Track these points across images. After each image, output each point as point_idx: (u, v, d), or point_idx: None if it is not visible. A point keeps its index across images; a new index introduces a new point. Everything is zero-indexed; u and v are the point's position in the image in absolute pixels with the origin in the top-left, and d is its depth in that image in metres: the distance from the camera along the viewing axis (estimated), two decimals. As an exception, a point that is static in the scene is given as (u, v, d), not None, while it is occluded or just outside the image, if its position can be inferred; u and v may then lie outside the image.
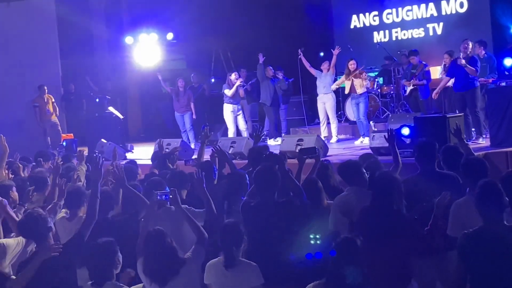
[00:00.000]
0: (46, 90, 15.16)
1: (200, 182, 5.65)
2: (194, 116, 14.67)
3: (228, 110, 13.88)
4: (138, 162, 9.48)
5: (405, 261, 5.04)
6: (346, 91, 13.24)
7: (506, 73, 10.43)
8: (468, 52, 10.94)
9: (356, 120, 13.07)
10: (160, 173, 7.75)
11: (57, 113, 15.33)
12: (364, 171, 6.10)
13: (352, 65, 12.92)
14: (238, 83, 13.84)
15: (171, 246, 4.99)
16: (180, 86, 14.83)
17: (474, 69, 10.71)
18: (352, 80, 12.86)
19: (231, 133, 13.79)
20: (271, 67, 14.20)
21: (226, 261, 4.99)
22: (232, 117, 13.83)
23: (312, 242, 5.12)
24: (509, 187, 4.75)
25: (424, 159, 6.19)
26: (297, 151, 8.25)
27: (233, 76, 13.99)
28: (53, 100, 15.30)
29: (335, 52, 13.15)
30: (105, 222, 5.81)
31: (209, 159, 7.82)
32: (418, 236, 5.08)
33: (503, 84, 10.21)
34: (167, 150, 9.98)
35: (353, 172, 6.02)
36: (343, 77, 13.11)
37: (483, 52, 11.87)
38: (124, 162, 9.59)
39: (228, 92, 13.78)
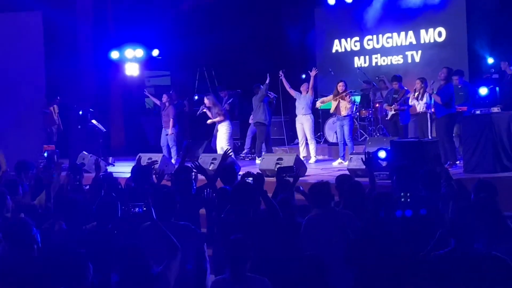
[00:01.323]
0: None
1: None
2: (170, 132, 14.38)
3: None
4: (119, 175, 9.41)
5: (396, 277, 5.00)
6: (331, 111, 13.26)
7: (481, 101, 10.50)
8: (443, 80, 11.05)
9: (339, 141, 13.05)
10: (136, 186, 7.66)
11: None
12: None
13: (340, 86, 12.92)
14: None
15: (145, 263, 4.77)
16: (164, 101, 14.78)
17: (439, 97, 10.89)
18: (339, 101, 12.88)
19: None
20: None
21: (234, 276, 4.76)
22: None
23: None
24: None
25: (403, 182, 6.18)
26: (276, 170, 8.20)
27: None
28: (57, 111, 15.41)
29: (312, 73, 13.18)
30: (80, 233, 5.71)
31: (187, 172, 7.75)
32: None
33: (478, 112, 10.28)
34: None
35: (323, 193, 5.92)
36: (330, 97, 13.12)
37: (457, 81, 11.98)
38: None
39: None
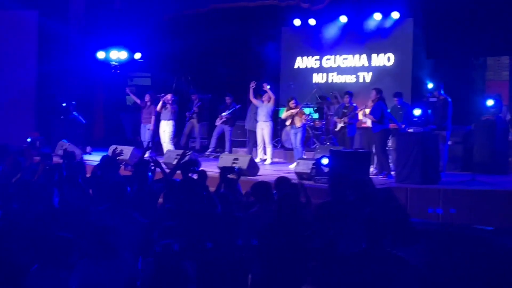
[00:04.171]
0: None
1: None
2: (151, 128, 14.71)
3: None
4: (94, 163, 9.49)
5: (298, 268, 5.16)
6: (288, 124, 13.47)
7: (415, 119, 10.72)
8: (373, 100, 11.43)
9: (294, 147, 13.26)
10: (102, 174, 7.74)
11: None
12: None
13: (291, 104, 13.17)
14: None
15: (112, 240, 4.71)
16: (147, 100, 14.96)
17: (371, 116, 11.23)
18: (294, 116, 13.11)
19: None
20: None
21: None
22: None
23: None
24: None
25: (337, 188, 6.37)
26: (219, 169, 8.37)
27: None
28: None
29: (265, 87, 13.45)
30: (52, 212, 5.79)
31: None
32: (309, 248, 5.21)
33: (411, 130, 10.48)
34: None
35: (264, 191, 6.11)
36: (288, 113, 13.29)
37: (397, 101, 12.26)
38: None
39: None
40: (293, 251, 5.17)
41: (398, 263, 4.50)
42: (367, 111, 11.03)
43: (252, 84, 13.59)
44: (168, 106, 14.23)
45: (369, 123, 12.12)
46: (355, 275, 4.57)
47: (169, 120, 14.30)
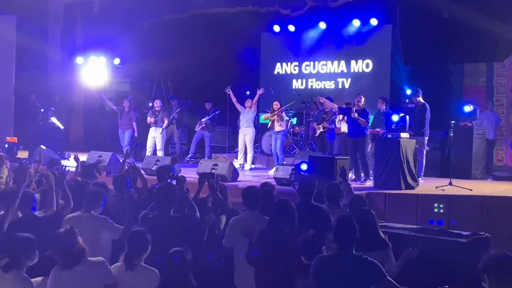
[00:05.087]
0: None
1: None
2: (136, 134, 14.79)
3: None
4: (72, 169, 9.42)
5: (288, 276, 5.17)
6: (268, 126, 13.56)
7: (393, 126, 10.79)
8: (361, 105, 11.29)
9: (273, 153, 13.28)
10: (82, 180, 7.71)
11: None
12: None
13: (275, 105, 13.19)
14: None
15: (79, 245, 4.77)
16: (125, 106, 14.96)
17: (365, 120, 11.08)
18: (274, 119, 13.12)
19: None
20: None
21: (127, 264, 4.88)
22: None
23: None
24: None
25: (304, 192, 6.42)
26: (198, 174, 8.36)
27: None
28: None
29: (259, 92, 13.41)
30: (29, 219, 5.77)
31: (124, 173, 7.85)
32: (298, 257, 5.24)
33: (389, 136, 10.53)
34: (88, 162, 9.87)
35: (253, 197, 6.06)
36: (269, 114, 13.33)
37: (384, 107, 12.33)
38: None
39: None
40: (285, 259, 5.18)
41: (368, 265, 4.60)
42: (356, 115, 10.97)
43: (228, 89, 13.56)
44: (159, 112, 14.26)
45: (344, 128, 12.19)
46: (328, 278, 4.63)
47: (160, 127, 14.34)
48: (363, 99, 11.39)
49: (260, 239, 5.34)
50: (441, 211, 9.16)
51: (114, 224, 5.73)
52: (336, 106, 11.77)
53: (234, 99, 13.69)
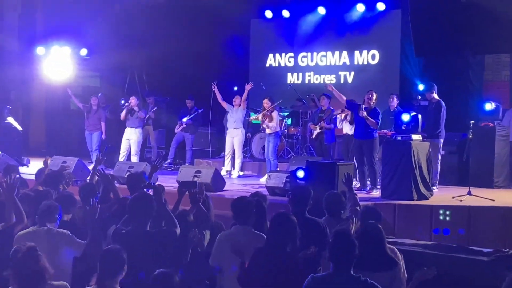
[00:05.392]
0: None
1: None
2: (103, 136, 14.77)
3: None
4: (31, 177, 9.38)
5: None
6: (261, 128, 13.60)
7: (403, 127, 10.78)
8: (371, 103, 11.19)
9: (266, 157, 13.29)
10: (44, 190, 7.68)
11: None
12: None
13: (265, 103, 13.18)
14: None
15: (42, 266, 4.74)
16: (93, 104, 14.93)
17: (374, 121, 10.98)
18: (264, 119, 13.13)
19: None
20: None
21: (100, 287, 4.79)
22: None
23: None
24: None
25: (297, 203, 6.43)
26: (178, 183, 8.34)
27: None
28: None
29: (247, 87, 13.38)
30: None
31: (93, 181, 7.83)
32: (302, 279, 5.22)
33: (399, 138, 10.54)
34: (51, 169, 9.80)
35: (245, 210, 6.01)
36: (259, 115, 13.34)
37: (395, 105, 12.33)
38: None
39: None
40: (287, 282, 5.18)
41: None
42: (365, 113, 10.93)
43: (214, 86, 13.54)
44: (135, 112, 14.17)
45: (347, 129, 12.20)
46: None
47: (137, 127, 14.24)
48: (375, 96, 11.23)
49: (256, 259, 5.33)
50: (447, 218, 9.18)
51: (75, 239, 5.75)
52: (344, 98, 11.63)
53: (219, 97, 13.65)
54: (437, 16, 11.55)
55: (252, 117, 13.77)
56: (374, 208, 6.53)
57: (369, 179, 11.24)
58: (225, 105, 13.75)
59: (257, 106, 14.64)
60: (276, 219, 5.52)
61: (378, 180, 11.08)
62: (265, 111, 13.09)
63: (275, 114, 13.16)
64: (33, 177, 9.93)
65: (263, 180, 12.88)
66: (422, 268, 5.24)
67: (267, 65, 17.07)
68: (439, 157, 11.55)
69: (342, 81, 15.99)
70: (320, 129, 13.12)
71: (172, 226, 5.76)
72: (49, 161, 9.30)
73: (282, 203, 9.37)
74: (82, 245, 5.67)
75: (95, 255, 5.33)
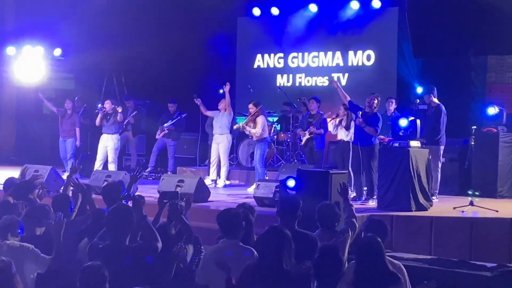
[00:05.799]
0: None
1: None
2: (78, 143, 14.73)
3: None
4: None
5: None
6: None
7: (401, 133, 10.76)
8: (373, 108, 11.11)
9: (254, 165, 13.30)
10: (14, 203, 7.64)
11: None
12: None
13: (251, 108, 13.20)
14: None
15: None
16: (68, 108, 14.89)
17: (373, 129, 10.92)
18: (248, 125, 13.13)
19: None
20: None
21: None
22: None
23: None
24: None
25: (286, 215, 6.43)
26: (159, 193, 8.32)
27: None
28: None
29: (226, 88, 13.39)
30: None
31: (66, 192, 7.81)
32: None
33: (396, 145, 10.53)
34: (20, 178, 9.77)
35: (232, 222, 5.99)
36: (243, 123, 13.35)
37: (393, 109, 12.36)
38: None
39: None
40: None
41: None
42: (361, 121, 10.91)
43: (197, 100, 13.55)
44: (111, 117, 14.11)
45: (342, 135, 12.20)
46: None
47: (114, 133, 14.17)
48: (376, 101, 11.16)
49: (247, 275, 5.31)
50: None
51: (40, 254, 5.77)
52: (348, 97, 11.46)
53: (203, 109, 13.77)
54: (436, 14, 11.60)
55: (235, 126, 13.67)
56: (380, 221, 6.39)
57: (365, 188, 11.24)
58: (209, 114, 13.84)
59: (245, 110, 14.64)
60: (269, 233, 5.52)
61: (375, 189, 11.08)
62: (250, 117, 13.10)
63: (260, 119, 13.07)
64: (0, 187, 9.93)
65: (251, 189, 12.86)
66: (422, 283, 5.24)
67: (255, 66, 17.09)
68: (439, 165, 11.59)
69: (335, 83, 15.99)
70: (309, 135, 13.12)
71: (153, 240, 5.74)
72: (26, 172, 9.24)
73: (272, 214, 9.33)
74: (47, 261, 5.66)
75: (61, 272, 5.37)
